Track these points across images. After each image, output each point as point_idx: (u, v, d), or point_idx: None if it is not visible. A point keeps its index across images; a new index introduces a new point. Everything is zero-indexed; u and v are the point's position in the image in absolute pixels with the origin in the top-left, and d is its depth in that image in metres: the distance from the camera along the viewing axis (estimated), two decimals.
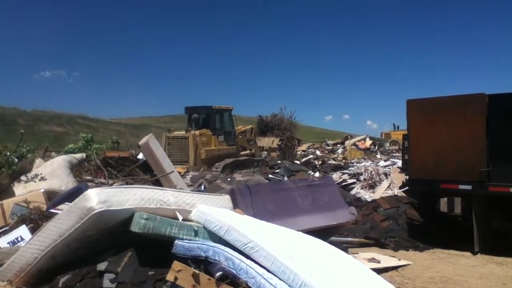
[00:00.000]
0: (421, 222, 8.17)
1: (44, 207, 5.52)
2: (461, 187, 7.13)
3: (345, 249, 6.11)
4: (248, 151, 17.93)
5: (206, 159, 15.44)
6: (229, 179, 11.95)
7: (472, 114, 7.04)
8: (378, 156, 20.34)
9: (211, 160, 15.45)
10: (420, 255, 7.13)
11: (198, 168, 14.32)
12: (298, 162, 17.90)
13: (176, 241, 3.32)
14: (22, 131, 9.02)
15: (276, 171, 14.52)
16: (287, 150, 20.72)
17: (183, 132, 15.82)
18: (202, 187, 11.64)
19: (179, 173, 10.60)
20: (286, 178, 12.82)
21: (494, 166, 6.84)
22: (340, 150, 24.45)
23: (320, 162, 19.02)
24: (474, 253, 7.02)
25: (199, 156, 15.36)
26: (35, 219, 5.02)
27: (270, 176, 13.50)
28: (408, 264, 6.44)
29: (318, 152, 23.64)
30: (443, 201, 8.53)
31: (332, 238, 6.52)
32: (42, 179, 6.77)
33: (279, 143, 20.85)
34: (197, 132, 15.56)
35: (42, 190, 6.32)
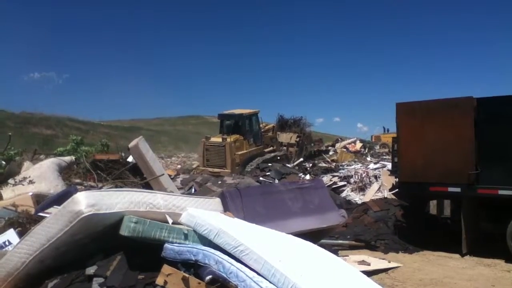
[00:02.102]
0: (411, 224, 8.22)
1: (33, 211, 5.44)
2: (450, 189, 7.18)
3: (335, 252, 6.13)
4: (271, 148, 19.77)
5: (240, 163, 17.10)
6: (219, 182, 11.93)
7: (461, 117, 7.10)
8: (368, 158, 20.40)
9: (244, 162, 17.22)
10: (410, 257, 7.17)
11: (235, 173, 15.78)
12: (289, 165, 17.97)
13: (166, 245, 3.30)
14: (10, 133, 8.93)
15: (267, 173, 14.54)
16: (304, 146, 22.12)
17: (220, 140, 17.32)
18: (193, 190, 11.62)
19: (170, 176, 10.55)
20: (276, 181, 12.82)
21: (482, 169, 6.90)
22: (331, 153, 24.52)
23: (311, 164, 19.10)
24: (463, 255, 7.07)
25: (234, 161, 16.92)
26: (23, 222, 4.95)
27: (260, 178, 13.51)
28: (398, 267, 6.47)
29: None
30: (433, 204, 8.57)
31: (323, 241, 6.53)
32: (31, 182, 6.68)
33: (297, 139, 22.11)
34: (232, 139, 17.18)
35: (31, 193, 6.25)
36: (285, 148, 21.22)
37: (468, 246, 7.12)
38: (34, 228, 3.63)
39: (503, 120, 6.84)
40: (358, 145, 26.91)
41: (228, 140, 16.96)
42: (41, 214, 5.08)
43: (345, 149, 24.91)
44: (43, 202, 5.77)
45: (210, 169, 16.73)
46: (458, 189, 7.10)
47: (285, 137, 22.06)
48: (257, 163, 16.88)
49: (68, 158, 8.62)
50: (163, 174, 8.24)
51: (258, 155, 17.95)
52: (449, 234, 7.85)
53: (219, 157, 16.99)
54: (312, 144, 23.76)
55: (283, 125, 23.55)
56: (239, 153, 17.26)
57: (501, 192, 6.75)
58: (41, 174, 7.06)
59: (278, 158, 18.69)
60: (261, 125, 19.64)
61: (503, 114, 6.86)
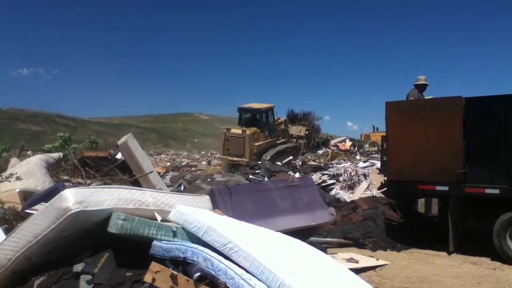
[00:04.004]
0: (399, 222, 8.27)
1: (19, 208, 5.39)
2: (438, 188, 7.23)
3: (324, 250, 6.15)
4: (283, 140, 21.82)
5: (256, 153, 19.01)
6: (209, 179, 11.91)
7: (449, 116, 7.15)
8: (358, 157, 20.49)
9: (259, 152, 19.14)
10: (398, 255, 7.22)
11: (251, 161, 17.36)
12: (279, 163, 18.01)
13: (154, 242, 3.28)
14: None
15: (257, 171, 14.54)
16: (312, 138, 24.67)
17: (240, 131, 19.31)
18: (182, 187, 11.58)
19: (159, 173, 10.51)
20: (266, 179, 12.82)
21: (470, 168, 6.96)
22: (321, 151, 24.68)
23: (300, 162, 19.16)
24: (450, 253, 7.13)
25: (252, 151, 18.83)
26: (10, 219, 4.90)
27: (250, 176, 13.50)
28: (386, 264, 6.51)
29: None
30: (421, 202, 8.64)
31: (311, 239, 6.55)
32: (18, 178, 6.61)
33: (306, 132, 24.40)
34: (251, 131, 19.10)
35: (18, 190, 6.19)
36: (295, 140, 23.21)
37: (455, 244, 7.18)
38: (21, 225, 3.59)
39: (491, 119, 6.90)
40: (348, 143, 27.03)
41: (248, 132, 18.88)
42: (28, 211, 5.02)
43: (335, 148, 25.03)
44: (30, 198, 5.71)
45: (230, 158, 18.65)
46: (446, 188, 7.16)
47: (295, 130, 24.35)
48: (271, 154, 18.90)
49: (56, 155, 8.56)
50: (152, 172, 8.19)
51: (272, 146, 19.96)
52: (436, 232, 7.91)
53: (238, 147, 18.84)
54: (320, 137, 26.39)
55: (293, 118, 25.73)
56: (256, 144, 19.23)
57: (488, 191, 6.82)
58: (28, 171, 6.99)
59: (290, 149, 20.65)
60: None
61: (491, 113, 6.92)
